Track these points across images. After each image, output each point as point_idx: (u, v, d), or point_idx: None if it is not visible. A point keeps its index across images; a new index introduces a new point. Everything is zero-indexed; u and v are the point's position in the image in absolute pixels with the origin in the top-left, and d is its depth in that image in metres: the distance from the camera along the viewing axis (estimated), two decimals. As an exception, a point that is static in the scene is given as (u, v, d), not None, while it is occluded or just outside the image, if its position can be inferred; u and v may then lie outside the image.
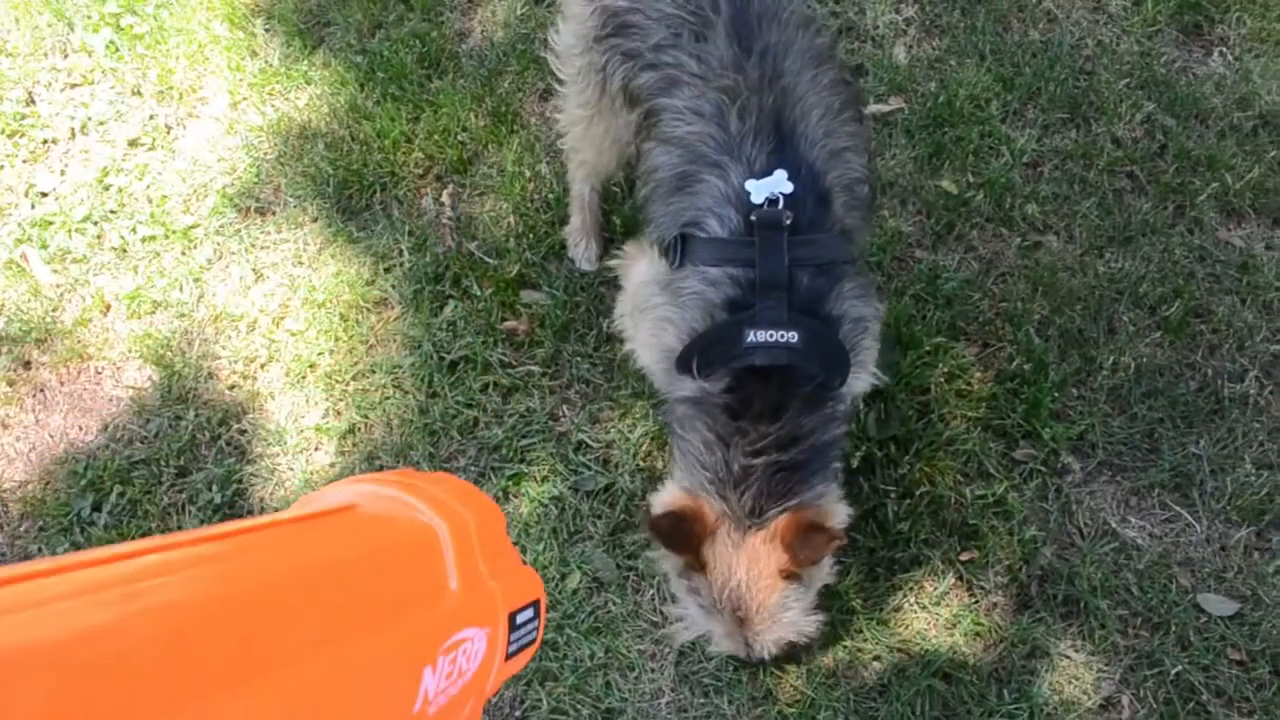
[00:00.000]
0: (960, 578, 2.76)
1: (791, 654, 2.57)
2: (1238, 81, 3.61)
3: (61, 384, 3.09)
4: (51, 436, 3.01)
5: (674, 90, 2.27)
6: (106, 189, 3.43)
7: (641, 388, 2.89)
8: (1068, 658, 2.68)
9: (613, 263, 2.69)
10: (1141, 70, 3.60)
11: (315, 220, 3.31)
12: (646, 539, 2.32)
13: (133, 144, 3.53)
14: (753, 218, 2.13)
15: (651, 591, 2.73)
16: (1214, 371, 3.07)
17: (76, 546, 2.82)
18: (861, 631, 2.69)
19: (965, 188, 3.33)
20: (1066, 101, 3.52)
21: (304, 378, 3.04)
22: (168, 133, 3.54)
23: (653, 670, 2.65)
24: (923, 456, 2.88)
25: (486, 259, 3.19)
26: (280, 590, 0.74)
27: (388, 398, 2.99)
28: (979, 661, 2.66)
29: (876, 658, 2.67)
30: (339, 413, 2.99)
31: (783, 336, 2.07)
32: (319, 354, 3.07)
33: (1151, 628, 2.73)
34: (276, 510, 2.78)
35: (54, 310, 3.20)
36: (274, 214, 3.34)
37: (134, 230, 3.32)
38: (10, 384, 3.08)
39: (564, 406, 2.98)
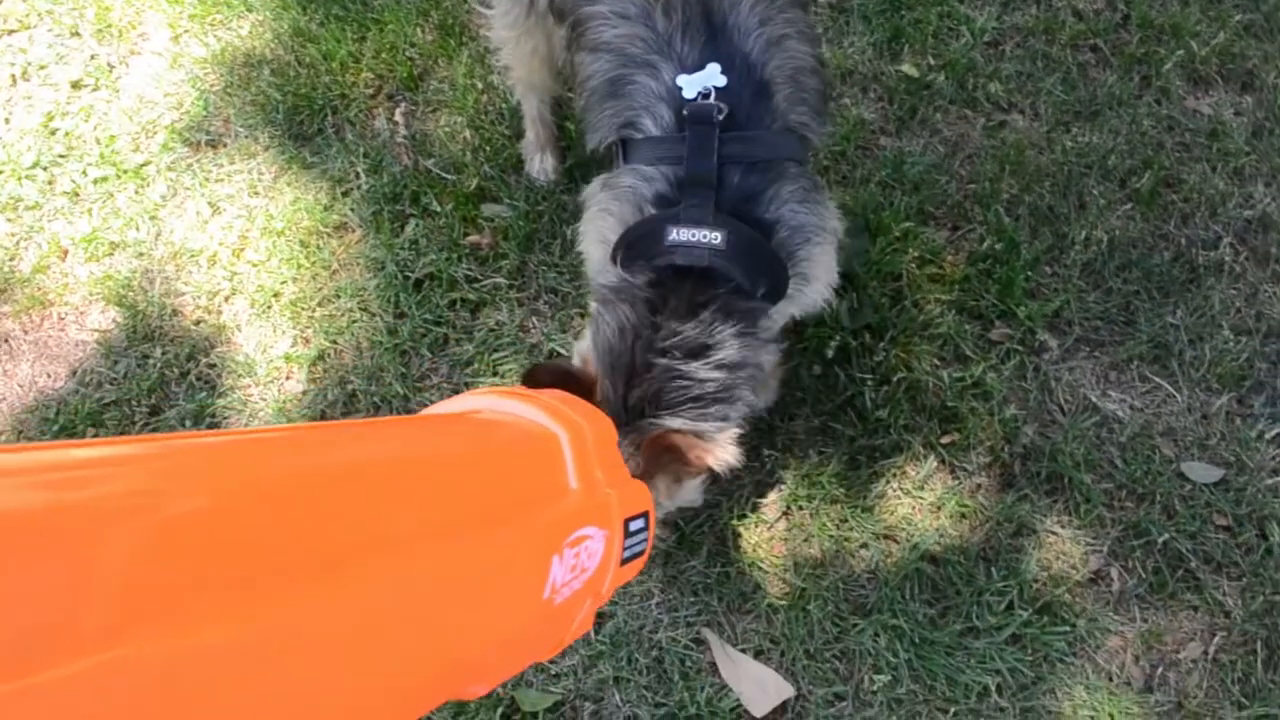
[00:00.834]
0: (942, 461, 2.75)
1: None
2: (1200, -53, 3.54)
3: (25, 333, 3.04)
4: (20, 386, 2.97)
5: None
6: (53, 133, 3.35)
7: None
8: (1054, 534, 2.68)
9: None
10: (1101, -59, 3.53)
11: (268, 149, 3.24)
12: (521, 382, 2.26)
13: (76, 86, 3.44)
14: (685, 112, 2.06)
15: (634, 496, 2.71)
16: (1187, 240, 3.05)
17: (52, 492, 2.79)
18: (847, 520, 2.68)
19: (926, 71, 3.28)
20: (1026, -23, 3.45)
21: (269, 307, 2.99)
22: (110, 72, 3.45)
23: (641, 573, 2.64)
24: (898, 343, 2.86)
25: (444, 175, 3.13)
26: (419, 472, 0.78)
27: (355, 321, 2.95)
28: (966, 542, 2.66)
29: (863, 545, 2.67)
30: (307, 340, 2.95)
31: (704, 236, 1.98)
32: (282, 283, 3.01)
33: (1136, 499, 2.72)
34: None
35: (11, 259, 3.14)
36: (225, 146, 3.27)
37: (85, 173, 3.24)
38: (-29, 336, 3.03)
39: (533, 318, 2.94)
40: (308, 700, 0.62)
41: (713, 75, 2.06)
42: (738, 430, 2.11)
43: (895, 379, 2.81)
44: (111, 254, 3.12)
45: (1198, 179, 3.12)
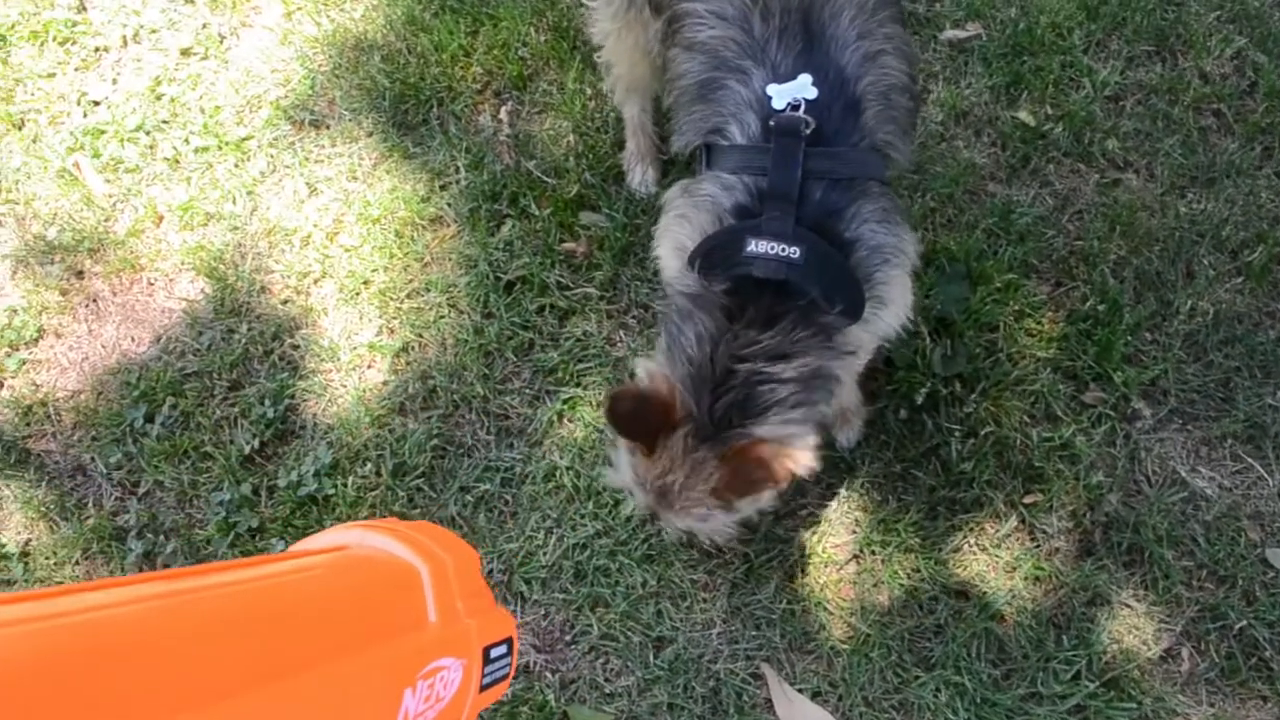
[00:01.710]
0: (1023, 521, 2.69)
1: (692, 542, 2.61)
2: (1334, 18, 3.45)
3: (114, 294, 3.06)
4: (104, 347, 2.99)
5: None
6: (159, 98, 3.37)
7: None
8: (1129, 607, 2.62)
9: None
10: (1233, 3, 3.43)
11: (370, 135, 3.24)
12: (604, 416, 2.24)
13: (185, 53, 3.46)
14: (771, 123, 2.03)
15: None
16: (1295, 320, 2.96)
17: (129, 457, 2.81)
18: (919, 571, 2.63)
19: (1043, 120, 3.21)
20: (1153, 33, 3.37)
21: (358, 294, 2.99)
22: (221, 42, 3.47)
23: (705, 601, 2.61)
24: (989, 396, 2.80)
25: (545, 178, 3.11)
26: (276, 615, 0.82)
27: (442, 317, 2.94)
28: (1038, 606, 2.60)
29: (934, 598, 2.61)
30: (393, 330, 2.94)
31: (784, 250, 1.96)
32: (373, 270, 3.01)
33: (1217, 580, 2.65)
34: (329, 428, 2.76)
35: (106, 220, 3.16)
36: (328, 127, 3.27)
37: (187, 141, 3.26)
38: (63, 293, 3.05)
39: (621, 331, 2.92)
40: None
41: (803, 87, 2.04)
42: (816, 438, 2.10)
43: (983, 432, 2.75)
44: (206, 224, 3.13)
45: (1312, 258, 3.03)
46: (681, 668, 2.54)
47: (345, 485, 2.71)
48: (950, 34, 3.36)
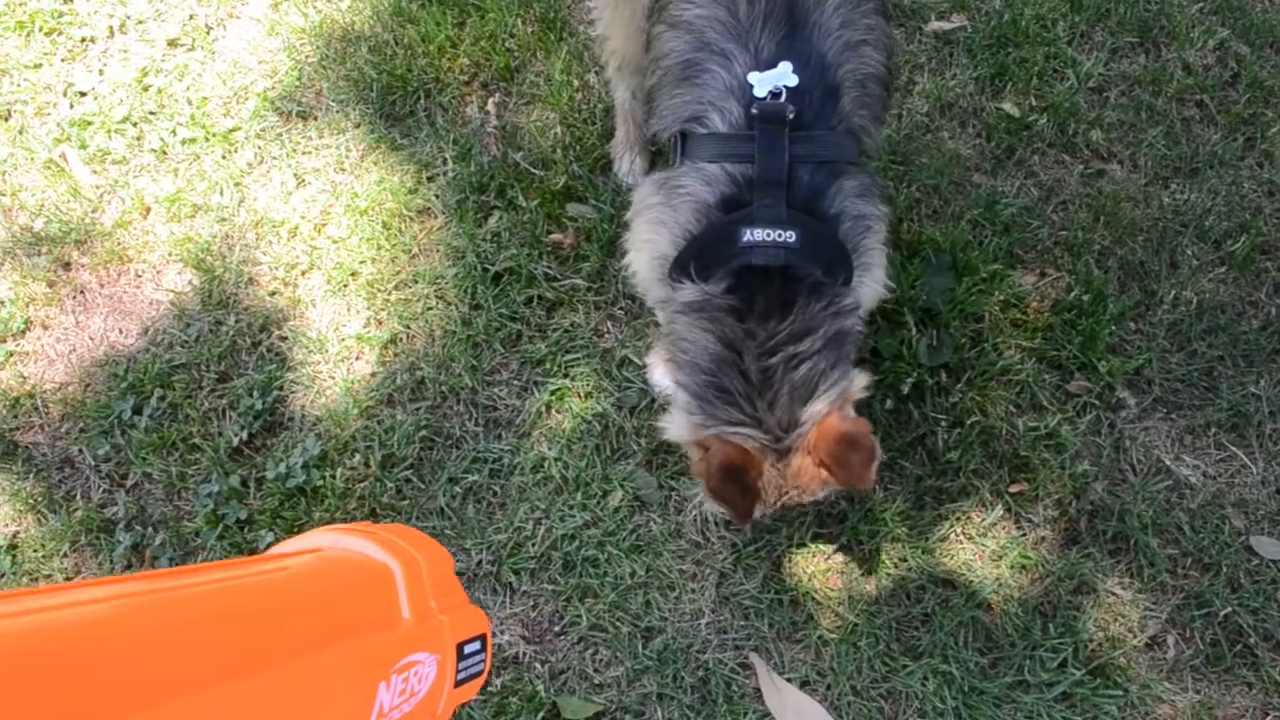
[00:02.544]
0: (1009, 510, 2.71)
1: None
2: (1316, 9, 3.47)
3: (101, 286, 3.05)
4: (91, 338, 2.98)
5: None
6: (146, 89, 3.36)
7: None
8: (1114, 595, 2.64)
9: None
10: (1216, -6, 3.46)
11: (358, 126, 3.23)
12: (711, 506, 2.29)
13: (172, 44, 3.45)
14: (754, 111, 2.06)
15: (694, 512, 2.69)
16: (1278, 310, 2.98)
17: (117, 449, 2.80)
18: (906, 560, 2.65)
19: (1028, 111, 3.22)
20: (1136, 24, 3.39)
21: (345, 286, 2.99)
22: (207, 33, 3.46)
23: (693, 591, 2.63)
24: (975, 385, 2.81)
25: (532, 170, 3.11)
26: (249, 611, 0.85)
27: (430, 308, 2.94)
28: (1024, 595, 2.62)
29: (921, 587, 2.63)
30: (380, 322, 2.94)
31: (780, 235, 2.01)
32: (361, 262, 3.01)
33: (1201, 568, 2.67)
34: (318, 419, 2.76)
35: (93, 211, 3.15)
36: (316, 119, 3.26)
37: (174, 132, 3.25)
38: (50, 285, 3.04)
39: (609, 322, 2.92)
40: None
41: (784, 75, 2.06)
42: (860, 373, 2.19)
43: (969, 422, 2.76)
44: (193, 216, 3.13)
45: (1294, 248, 3.05)
46: (670, 658, 2.55)
47: (334, 477, 2.71)
48: (936, 25, 3.36)
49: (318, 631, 0.89)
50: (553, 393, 2.82)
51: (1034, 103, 3.24)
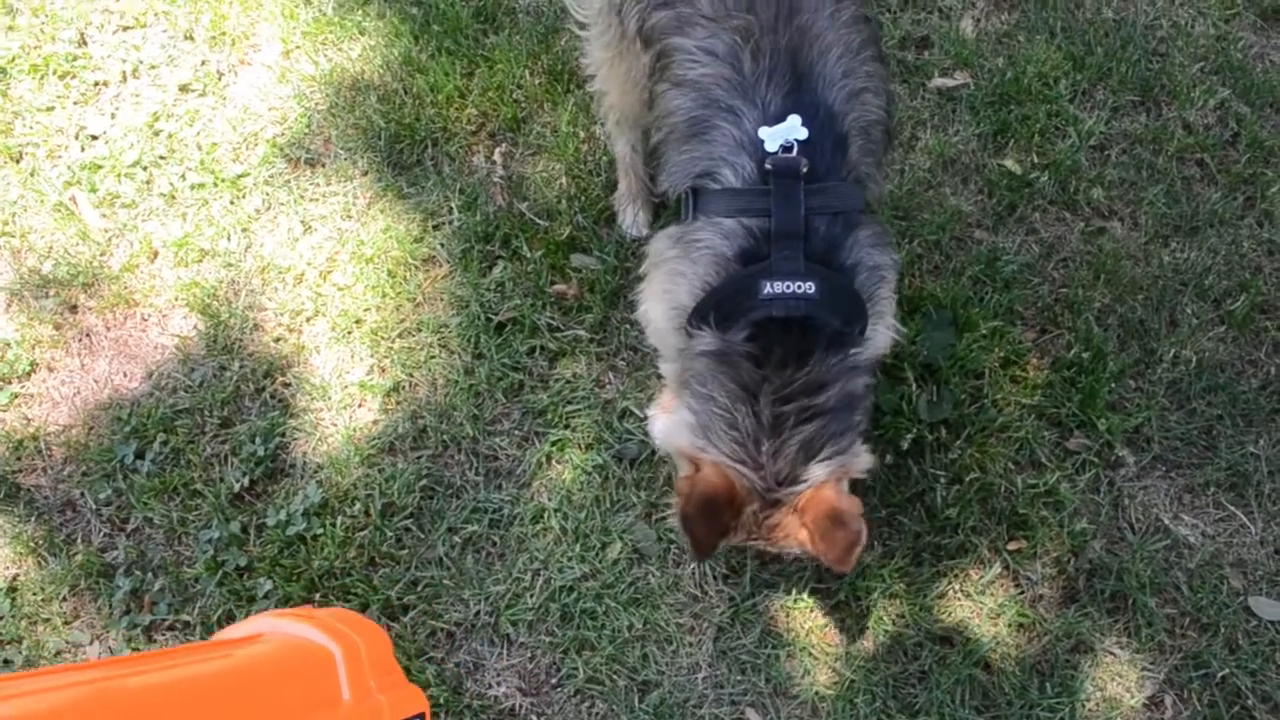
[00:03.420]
0: (1007, 567, 2.71)
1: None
2: (1316, 70, 3.50)
3: (107, 329, 3.07)
4: (96, 382, 3.00)
5: (687, 30, 2.21)
6: (156, 134, 3.40)
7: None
8: (1112, 654, 2.64)
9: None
10: (1217, 55, 3.49)
11: (365, 174, 3.26)
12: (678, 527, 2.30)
13: (184, 89, 3.49)
14: (768, 165, 2.09)
15: (693, 565, 2.69)
16: (1277, 370, 2.99)
17: (119, 493, 2.82)
18: (904, 617, 2.65)
19: (1029, 168, 3.25)
20: (1138, 84, 3.42)
21: (349, 333, 3.01)
22: (219, 79, 3.50)
23: (691, 645, 2.63)
24: (974, 442, 2.82)
25: (537, 220, 3.14)
26: (192, 701, 0.86)
27: (433, 357, 2.96)
28: (1022, 653, 2.62)
29: (918, 644, 2.63)
30: (384, 370, 2.96)
31: (799, 287, 2.04)
32: (365, 310, 3.03)
33: (1199, 628, 2.67)
34: (319, 467, 2.77)
35: (101, 254, 3.18)
36: (324, 166, 3.30)
37: (183, 177, 3.29)
38: (56, 327, 3.07)
39: (610, 373, 2.94)
40: None
41: (794, 128, 2.10)
42: (866, 446, 2.21)
43: (968, 478, 2.77)
44: (200, 261, 3.15)
45: (1293, 310, 3.07)
46: (667, 712, 2.55)
47: (334, 525, 2.72)
48: (939, 82, 3.40)
49: (262, 716, 0.91)
50: (553, 443, 2.83)
51: (1035, 160, 3.27)
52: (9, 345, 3.03)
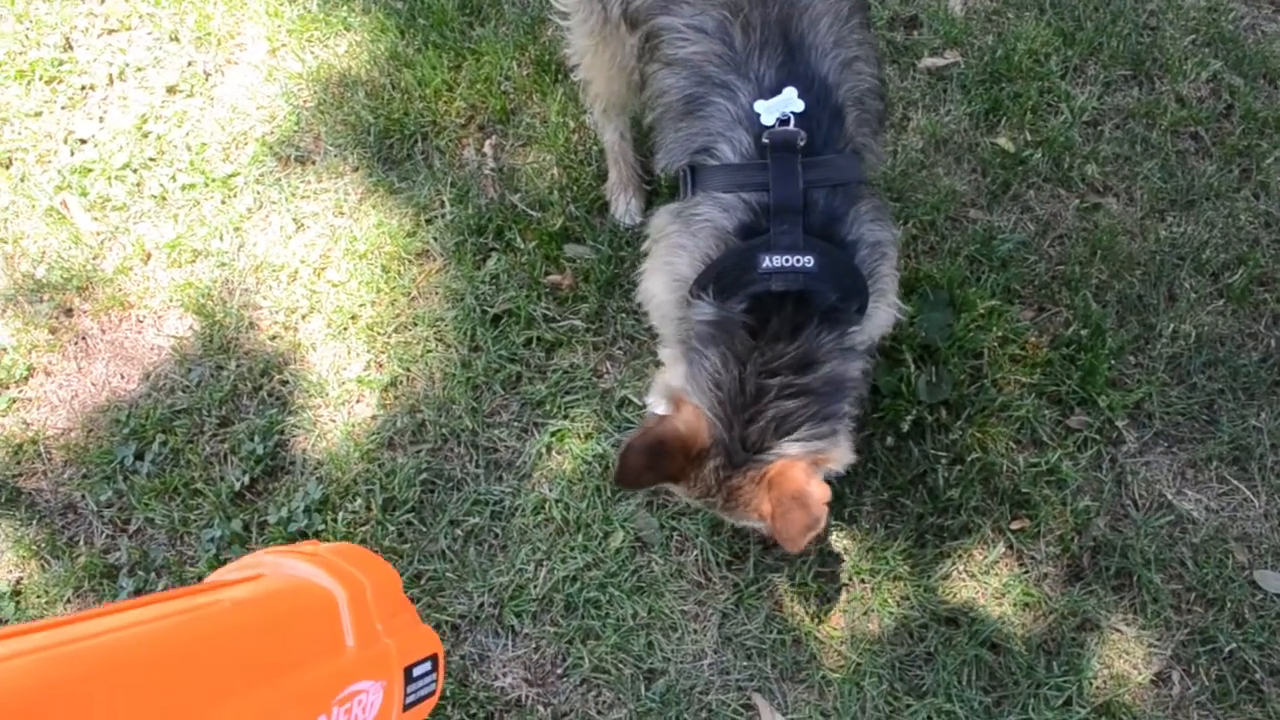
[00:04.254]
0: (1010, 547, 2.70)
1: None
2: (1309, 40, 3.49)
3: (103, 332, 3.06)
4: (94, 384, 2.99)
5: (673, 8, 2.20)
6: (145, 136, 3.38)
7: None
8: (1119, 631, 2.63)
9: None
10: (1208, 27, 3.48)
11: (356, 170, 3.25)
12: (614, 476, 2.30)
13: (171, 91, 3.48)
14: (765, 139, 2.08)
15: (695, 552, 2.69)
16: (1277, 342, 2.98)
17: (119, 494, 2.80)
18: (908, 599, 2.64)
19: (1023, 146, 3.24)
20: (1129, 58, 3.41)
21: (345, 329, 3.00)
22: (206, 80, 3.48)
23: (695, 631, 2.62)
24: (974, 422, 2.82)
25: (530, 211, 3.13)
26: (184, 653, 0.84)
27: (430, 351, 2.95)
28: (1028, 632, 2.61)
29: (924, 625, 2.62)
30: (381, 365, 2.95)
31: (798, 261, 2.03)
32: (360, 305, 3.02)
33: (1205, 603, 2.66)
34: (319, 463, 2.76)
35: (95, 258, 3.17)
36: (314, 163, 3.28)
37: (174, 178, 3.27)
38: (52, 331, 3.05)
39: (608, 362, 2.93)
40: None
41: (790, 100, 2.09)
42: (850, 437, 2.19)
43: (969, 459, 2.76)
44: (194, 261, 3.14)
45: (1292, 279, 3.06)
46: (674, 699, 2.54)
47: (335, 521, 2.71)
48: (929, 62, 3.39)
49: (256, 669, 0.88)
50: (553, 434, 2.82)
51: (1029, 137, 3.26)
52: (6, 350, 3.02)
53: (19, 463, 2.88)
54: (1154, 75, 3.40)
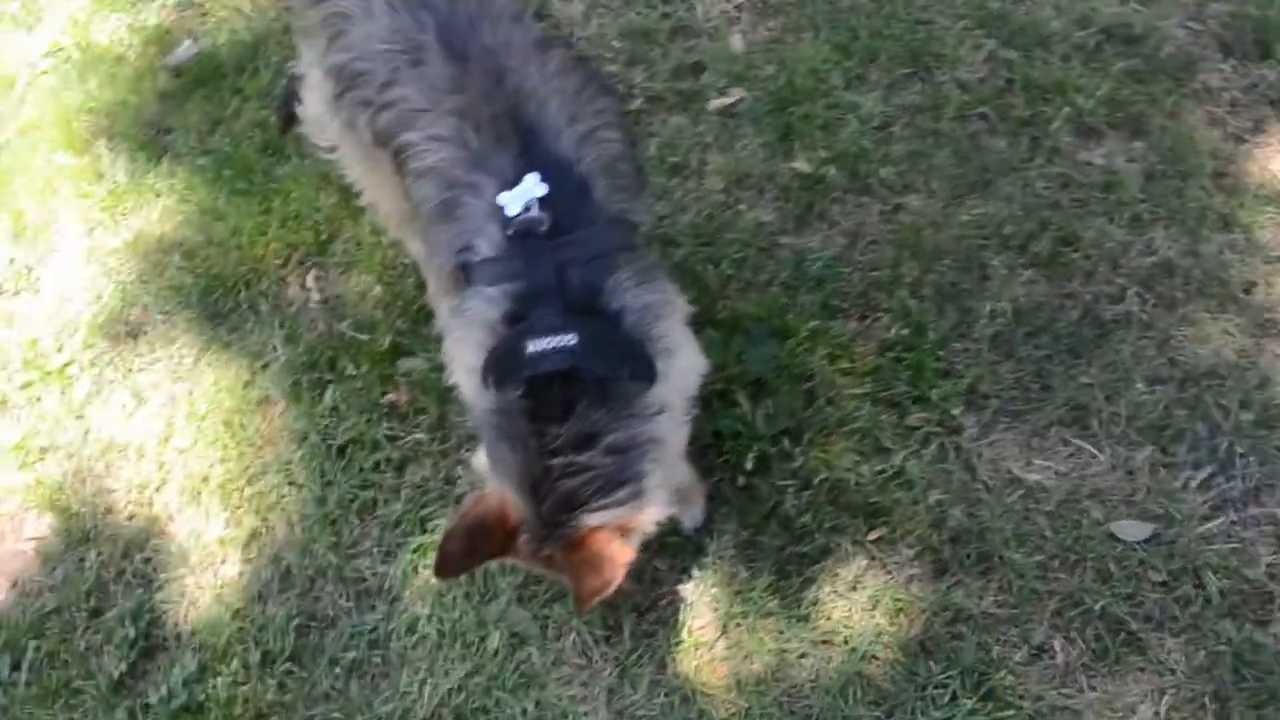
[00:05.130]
0: (872, 558, 2.75)
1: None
2: (1075, 0, 3.61)
3: (-35, 548, 3.08)
4: (-35, 603, 3.01)
5: (411, 124, 2.28)
6: (-22, 345, 3.42)
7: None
8: (991, 615, 2.67)
9: None
10: (976, 7, 3.60)
11: (186, 332, 3.30)
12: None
13: (-2, 293, 3.52)
14: (509, 231, 2.14)
15: (573, 635, 2.72)
16: (1093, 297, 3.06)
17: (3, 710, 2.81)
18: (783, 632, 2.68)
19: (819, 164, 3.32)
20: (906, 56, 3.51)
21: (199, 493, 3.03)
22: (29, 273, 3.53)
23: (586, 714, 2.64)
24: (816, 444, 2.87)
25: (359, 335, 3.18)
26: None
27: (284, 496, 2.98)
28: (905, 638, 2.66)
29: (803, 655, 2.66)
30: (239, 521, 2.98)
31: (560, 341, 2.06)
32: (210, 466, 3.06)
33: (1069, 568, 2.71)
34: (193, 632, 2.79)
35: (-54, 481, 3.20)
36: (145, 334, 3.33)
37: (10, 380, 3.31)
38: (-86, 559, 3.07)
39: (458, 468, 2.97)
40: None
41: (530, 187, 2.14)
42: (653, 505, 2.22)
43: (817, 480, 2.82)
44: (43, 459, 3.17)
45: (1095, 233, 3.14)
46: (574, 785, 2.57)
47: (215, 687, 2.73)
48: (717, 102, 3.48)
49: None
50: (414, 550, 2.86)
51: (823, 155, 3.34)
52: None
53: (-101, 700, 2.89)
54: (932, 67, 3.50)
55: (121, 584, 2.94)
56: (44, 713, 2.78)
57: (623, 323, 2.18)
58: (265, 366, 3.19)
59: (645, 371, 2.18)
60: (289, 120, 2.96)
